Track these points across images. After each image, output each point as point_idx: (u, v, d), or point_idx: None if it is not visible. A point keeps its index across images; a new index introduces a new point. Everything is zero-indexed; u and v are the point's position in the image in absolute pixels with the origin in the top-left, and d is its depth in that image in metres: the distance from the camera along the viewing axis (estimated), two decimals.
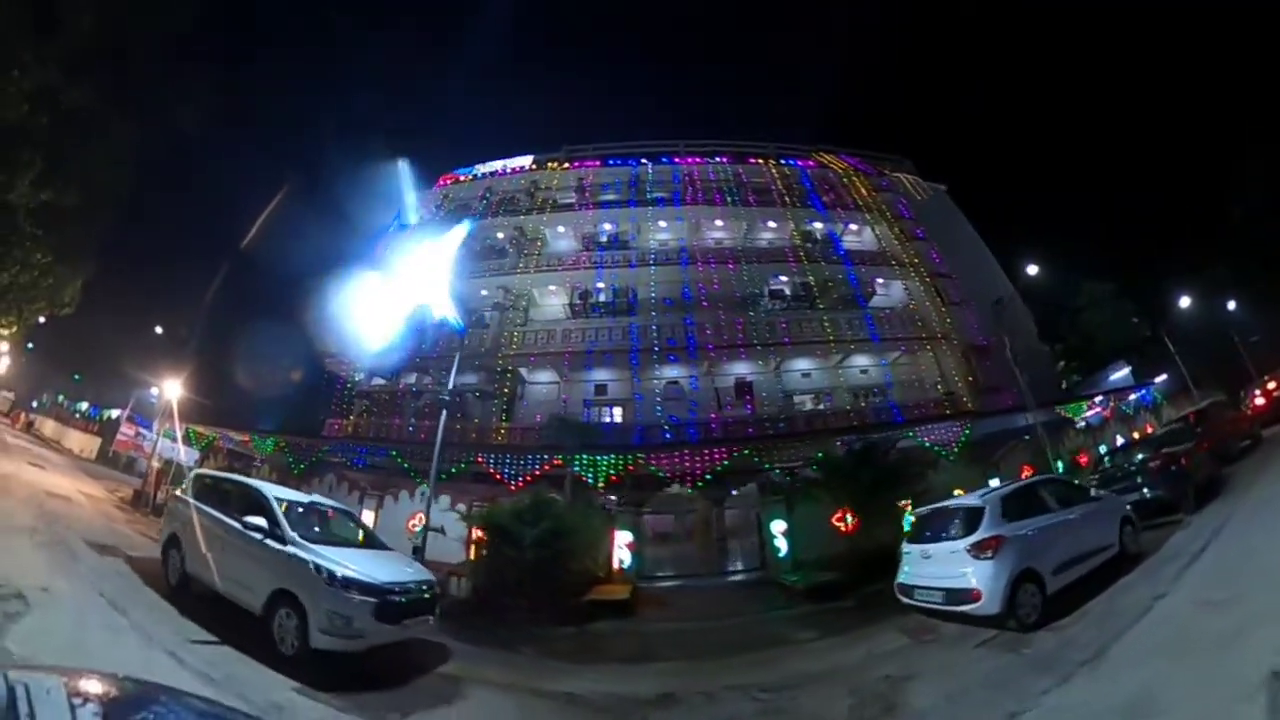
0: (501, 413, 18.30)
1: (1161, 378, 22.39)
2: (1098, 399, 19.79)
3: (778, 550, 13.02)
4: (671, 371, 18.57)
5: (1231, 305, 24.90)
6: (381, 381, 20.83)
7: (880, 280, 21.44)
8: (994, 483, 11.33)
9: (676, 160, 24.95)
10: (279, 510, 6.25)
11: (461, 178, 26.46)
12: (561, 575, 9.77)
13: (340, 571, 5.63)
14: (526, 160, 26.19)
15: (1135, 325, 27.71)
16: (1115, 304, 28.09)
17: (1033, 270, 20.43)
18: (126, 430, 22.22)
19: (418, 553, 8.95)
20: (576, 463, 13.81)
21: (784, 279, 20.97)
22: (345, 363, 20.07)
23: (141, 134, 17.19)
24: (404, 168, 24.04)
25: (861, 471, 11.32)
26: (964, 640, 6.11)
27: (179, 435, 18.41)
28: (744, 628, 9.19)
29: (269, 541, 5.94)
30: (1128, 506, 7.65)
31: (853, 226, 22.94)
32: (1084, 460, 15.61)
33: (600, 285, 20.90)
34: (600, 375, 18.81)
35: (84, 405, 23.10)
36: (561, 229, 23.10)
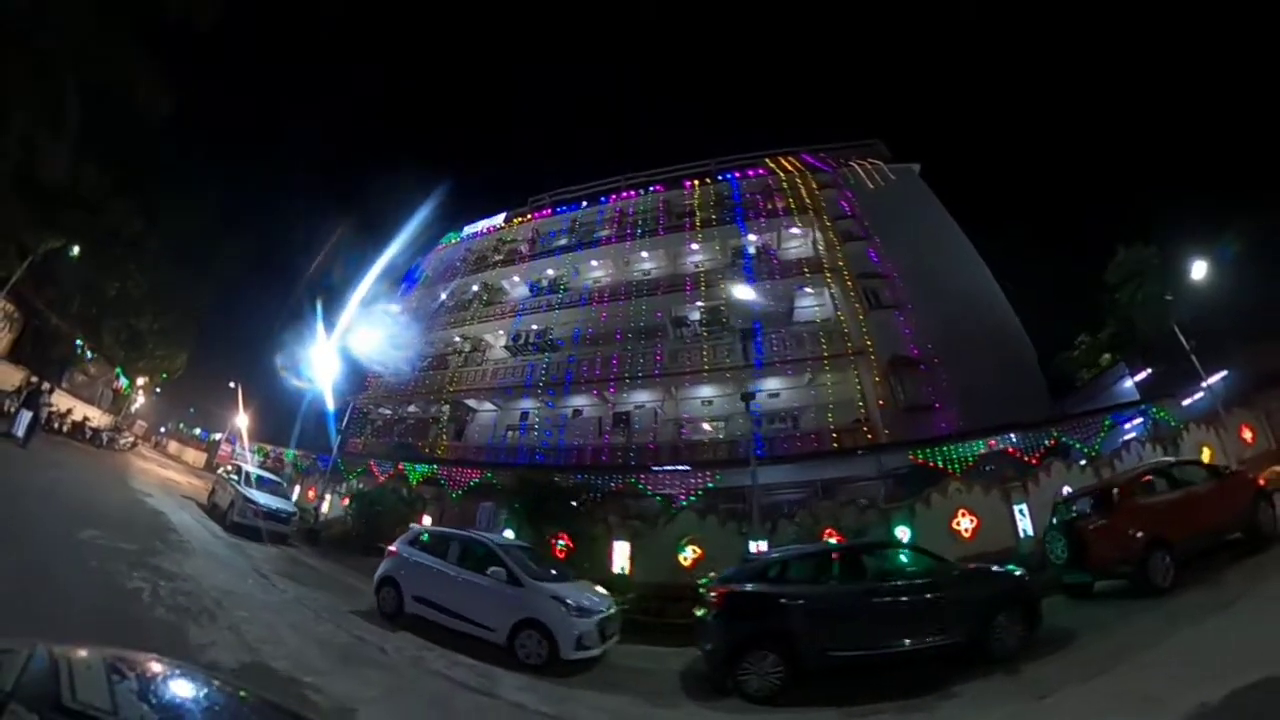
0: (450, 434, 25.20)
1: (1215, 379, 16.08)
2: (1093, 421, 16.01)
3: None
4: (578, 400, 21.04)
5: None
6: (385, 411, 29.12)
7: (810, 290, 21.75)
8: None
9: (613, 198, 28.12)
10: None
11: (447, 245, 32.72)
12: (376, 532, 13.85)
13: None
14: (500, 218, 31.47)
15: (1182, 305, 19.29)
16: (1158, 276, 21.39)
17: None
18: (225, 448, 33.27)
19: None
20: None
21: (701, 304, 22.12)
22: (360, 397, 28.62)
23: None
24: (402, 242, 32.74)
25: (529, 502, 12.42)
26: None
27: (247, 451, 28.27)
28: None
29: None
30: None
31: (776, 238, 23.67)
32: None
33: (535, 326, 24.35)
34: (526, 404, 22.43)
35: (197, 431, 35.25)
36: (517, 278, 26.98)
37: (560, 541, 11.94)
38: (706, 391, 20.43)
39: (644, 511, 13.10)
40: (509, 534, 12.29)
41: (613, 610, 7.35)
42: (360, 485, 16.89)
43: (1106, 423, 16.44)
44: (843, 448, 16.36)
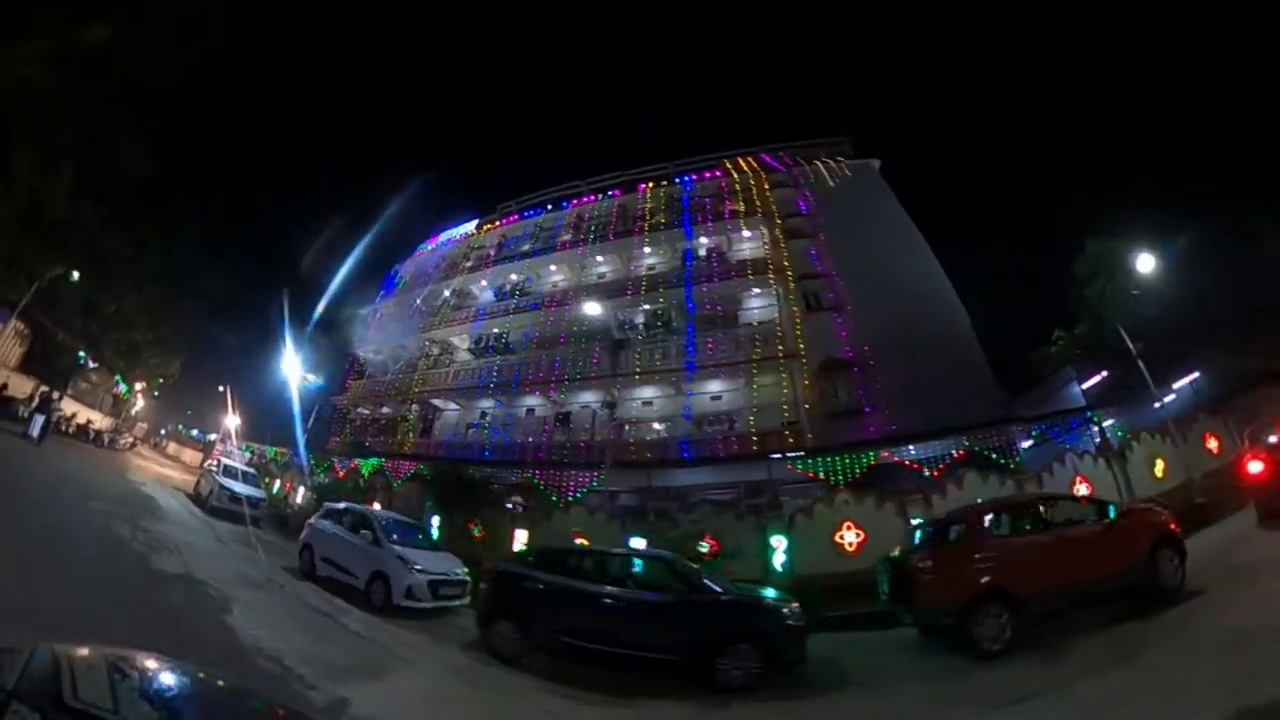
0: (417, 432, 28.42)
1: (1184, 382, 16.80)
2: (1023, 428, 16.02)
3: None
4: (530, 401, 23.73)
5: None
6: (364, 411, 32.51)
7: (759, 291, 22.92)
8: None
9: (574, 203, 30.43)
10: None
11: (423, 252, 35.83)
12: None
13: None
14: (472, 225, 34.27)
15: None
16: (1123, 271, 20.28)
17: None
18: (220, 447, 37.07)
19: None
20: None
21: (647, 307, 23.95)
22: (340, 398, 31.99)
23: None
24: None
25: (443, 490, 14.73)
26: None
27: (236, 449, 31.96)
28: None
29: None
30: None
31: (727, 241, 25.17)
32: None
33: (495, 330, 26.81)
34: (485, 404, 25.46)
35: (194, 432, 39.35)
36: (484, 283, 29.89)
37: (475, 526, 14.19)
38: (648, 392, 22.42)
39: (543, 504, 15.41)
40: (436, 519, 14.77)
41: (459, 577, 9.17)
42: (324, 478, 19.99)
43: (1034, 432, 15.54)
44: (750, 452, 17.76)
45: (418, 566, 8.76)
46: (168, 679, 1.72)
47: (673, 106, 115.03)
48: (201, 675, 1.88)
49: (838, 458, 15.07)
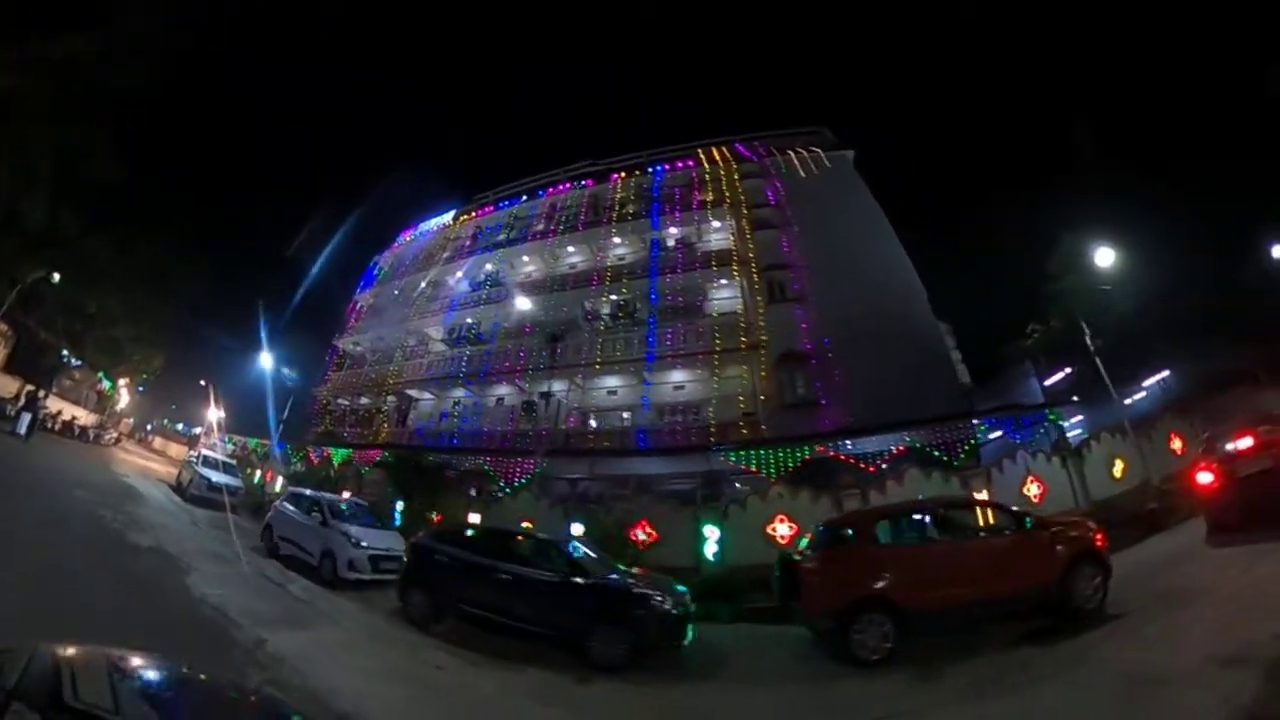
0: (394, 422, 29.83)
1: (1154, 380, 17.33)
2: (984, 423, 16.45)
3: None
4: (501, 390, 24.95)
5: None
6: (344, 402, 33.92)
7: (726, 282, 23.60)
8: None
9: (548, 192, 31.03)
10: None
11: (402, 244, 36.67)
12: None
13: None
14: (449, 216, 35.13)
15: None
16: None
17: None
18: (204, 440, 38.53)
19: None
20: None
21: (614, 298, 24.90)
22: (321, 390, 33.39)
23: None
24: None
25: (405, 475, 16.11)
26: None
27: (219, 442, 33.38)
28: None
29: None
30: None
31: (697, 231, 25.80)
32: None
33: (469, 320, 27.92)
34: (457, 394, 26.48)
35: (180, 426, 40.80)
36: (460, 274, 31.26)
37: (434, 510, 15.23)
38: (612, 382, 23.44)
39: (493, 489, 16.67)
40: (400, 504, 15.96)
41: (398, 553, 9.92)
42: (300, 467, 21.37)
43: (982, 428, 15.43)
44: (692, 443, 18.71)
45: (361, 543, 10.10)
46: (169, 680, 1.78)
47: (663, 99, 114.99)
48: (203, 676, 1.92)
49: (772, 451, 15.54)
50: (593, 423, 22.66)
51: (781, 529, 12.27)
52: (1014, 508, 7.62)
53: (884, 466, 14.39)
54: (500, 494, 15.71)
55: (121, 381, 32.54)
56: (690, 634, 7.25)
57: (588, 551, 8.49)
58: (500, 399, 26.11)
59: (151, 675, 1.74)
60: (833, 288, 21.77)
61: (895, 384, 17.78)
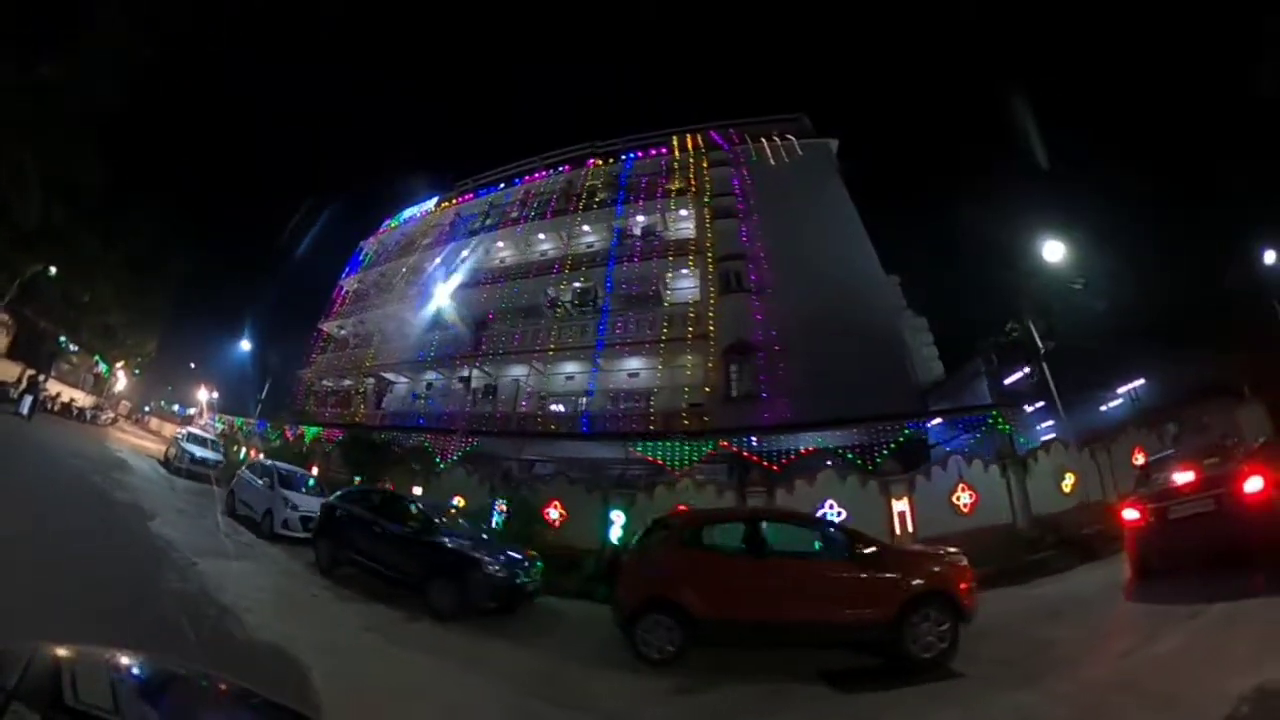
0: (371, 404, 32.17)
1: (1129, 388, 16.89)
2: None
3: None
4: (466, 372, 26.15)
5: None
6: (328, 383, 36.46)
7: (687, 271, 24.56)
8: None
9: (525, 179, 32.40)
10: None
11: (388, 230, 38.40)
12: None
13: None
14: (432, 202, 36.81)
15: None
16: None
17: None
18: (198, 419, 41.36)
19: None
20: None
21: (577, 285, 26.32)
22: (307, 372, 35.89)
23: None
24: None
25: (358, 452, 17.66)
26: None
27: (210, 421, 36.09)
28: None
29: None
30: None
31: (663, 219, 26.82)
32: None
33: (443, 306, 28.65)
34: (430, 376, 28.33)
35: (175, 406, 43.80)
36: (438, 260, 33.99)
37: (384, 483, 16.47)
38: (570, 368, 24.90)
39: (430, 465, 18.07)
40: (357, 478, 17.61)
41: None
42: (278, 444, 23.79)
43: (906, 431, 15.15)
44: (611, 431, 19.95)
45: (297, 506, 12.24)
46: (169, 680, 1.83)
47: (662, 89, 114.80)
48: (204, 677, 1.97)
49: (676, 444, 16.30)
50: (560, 407, 24.13)
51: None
52: (857, 530, 7.19)
53: (787, 466, 14.61)
54: (438, 470, 17.53)
55: (118, 365, 35.26)
56: (530, 600, 8.62)
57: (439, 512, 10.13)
58: (466, 382, 27.00)
59: (151, 676, 1.79)
60: (791, 280, 22.26)
61: (845, 380, 18.06)
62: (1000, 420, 14.02)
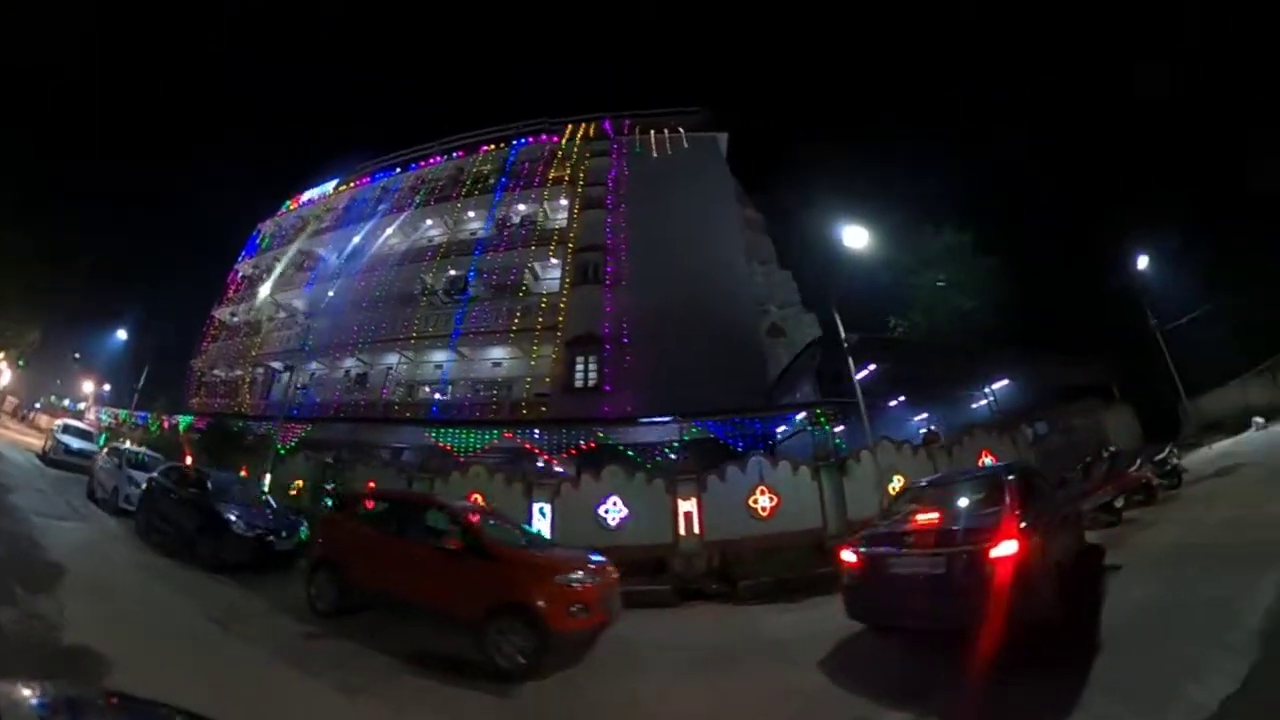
0: (259, 393, 33.84)
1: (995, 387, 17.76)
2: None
3: None
4: (347, 362, 28.24)
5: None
6: (219, 373, 37.83)
7: (554, 261, 26.20)
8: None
9: (420, 165, 34.10)
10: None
11: (285, 211, 39.41)
12: None
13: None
14: (330, 185, 37.85)
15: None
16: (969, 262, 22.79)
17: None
18: (91, 414, 42.11)
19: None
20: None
21: (451, 273, 27.98)
22: (197, 362, 37.18)
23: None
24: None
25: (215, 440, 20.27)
26: None
27: (97, 413, 37.10)
28: None
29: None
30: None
31: (540, 210, 28.68)
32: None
33: (331, 293, 30.87)
34: (311, 366, 29.41)
35: (66, 402, 44.23)
36: (331, 244, 34.27)
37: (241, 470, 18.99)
38: (439, 356, 26.93)
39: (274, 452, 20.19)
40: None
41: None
42: (156, 434, 25.80)
43: (694, 429, 15.63)
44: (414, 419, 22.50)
45: (141, 484, 14.21)
46: (107, 713, 1.87)
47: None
48: (148, 707, 1.96)
49: (464, 433, 18.62)
50: (441, 395, 25.91)
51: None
52: (516, 527, 8.74)
53: (574, 457, 16.34)
54: (281, 454, 19.57)
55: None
56: (292, 560, 10.61)
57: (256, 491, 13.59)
58: (347, 370, 29.19)
59: (92, 708, 1.87)
60: (650, 273, 24.08)
61: (694, 375, 19.27)
62: (823, 418, 14.38)
